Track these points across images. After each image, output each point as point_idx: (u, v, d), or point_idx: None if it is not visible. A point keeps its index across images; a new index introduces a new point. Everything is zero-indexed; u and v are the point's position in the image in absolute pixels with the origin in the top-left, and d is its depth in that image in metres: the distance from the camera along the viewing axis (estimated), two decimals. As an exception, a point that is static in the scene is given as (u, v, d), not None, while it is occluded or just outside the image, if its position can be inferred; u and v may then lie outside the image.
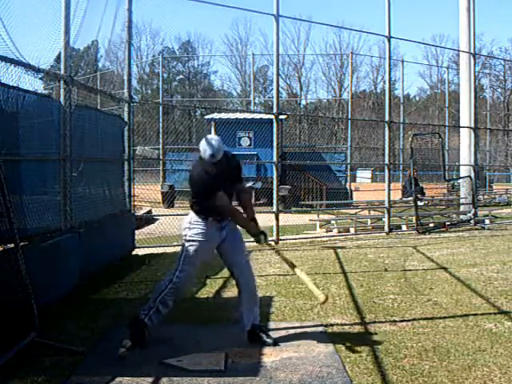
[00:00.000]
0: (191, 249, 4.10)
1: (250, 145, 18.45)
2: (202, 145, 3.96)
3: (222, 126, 18.25)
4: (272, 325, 4.65)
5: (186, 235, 4.15)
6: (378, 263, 7.74)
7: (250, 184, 18.21)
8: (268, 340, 4.12)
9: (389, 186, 11.79)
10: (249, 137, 18.47)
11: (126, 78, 8.58)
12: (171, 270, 4.21)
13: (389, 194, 11.71)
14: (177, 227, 9.36)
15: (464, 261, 7.90)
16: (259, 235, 4.14)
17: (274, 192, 10.13)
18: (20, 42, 4.96)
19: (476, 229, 12.41)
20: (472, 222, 12.89)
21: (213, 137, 4.06)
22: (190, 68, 48.33)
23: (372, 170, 23.79)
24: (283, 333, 4.40)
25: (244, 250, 4.26)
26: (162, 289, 4.12)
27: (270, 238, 4.16)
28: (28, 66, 5.22)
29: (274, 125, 10.25)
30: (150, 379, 3.49)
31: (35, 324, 4.06)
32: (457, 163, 17.51)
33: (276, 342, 4.12)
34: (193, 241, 4.10)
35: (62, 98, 6.12)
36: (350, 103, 22.40)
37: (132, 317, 4.22)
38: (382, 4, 11.54)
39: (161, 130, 20.48)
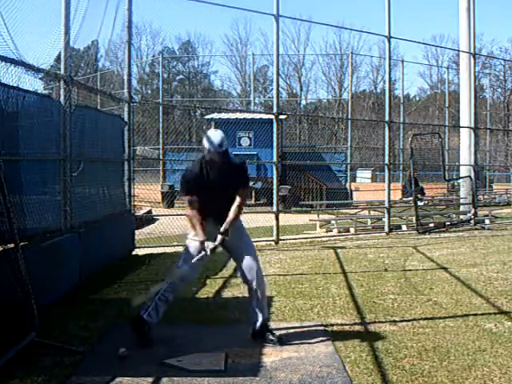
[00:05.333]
0: (189, 248, 4.19)
1: (250, 145, 18.43)
2: (207, 138, 4.10)
3: (222, 126, 18.24)
4: (272, 325, 4.63)
5: (188, 234, 4.24)
6: (378, 263, 7.74)
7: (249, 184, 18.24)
8: (272, 338, 4.13)
9: (389, 186, 11.78)
10: (249, 137, 18.46)
11: (125, 78, 8.58)
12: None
13: (389, 194, 11.70)
14: (177, 227, 9.36)
15: (464, 261, 7.90)
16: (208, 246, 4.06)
17: (274, 192, 10.13)
18: (20, 42, 4.96)
19: (476, 229, 12.41)
20: (472, 222, 12.89)
21: (214, 130, 4.31)
22: (190, 68, 48.22)
23: (372, 170, 23.76)
24: (283, 333, 4.40)
25: (245, 241, 4.26)
26: (163, 286, 4.16)
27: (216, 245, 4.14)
28: (28, 66, 5.22)
29: (274, 125, 10.25)
30: (150, 379, 3.49)
31: (35, 324, 4.06)
32: (457, 163, 17.51)
33: (281, 340, 4.12)
34: (191, 240, 4.19)
35: (61, 98, 6.12)
36: (350, 103, 22.43)
37: (132, 317, 4.23)
38: (381, 4, 11.56)
39: (161, 130, 20.49)
